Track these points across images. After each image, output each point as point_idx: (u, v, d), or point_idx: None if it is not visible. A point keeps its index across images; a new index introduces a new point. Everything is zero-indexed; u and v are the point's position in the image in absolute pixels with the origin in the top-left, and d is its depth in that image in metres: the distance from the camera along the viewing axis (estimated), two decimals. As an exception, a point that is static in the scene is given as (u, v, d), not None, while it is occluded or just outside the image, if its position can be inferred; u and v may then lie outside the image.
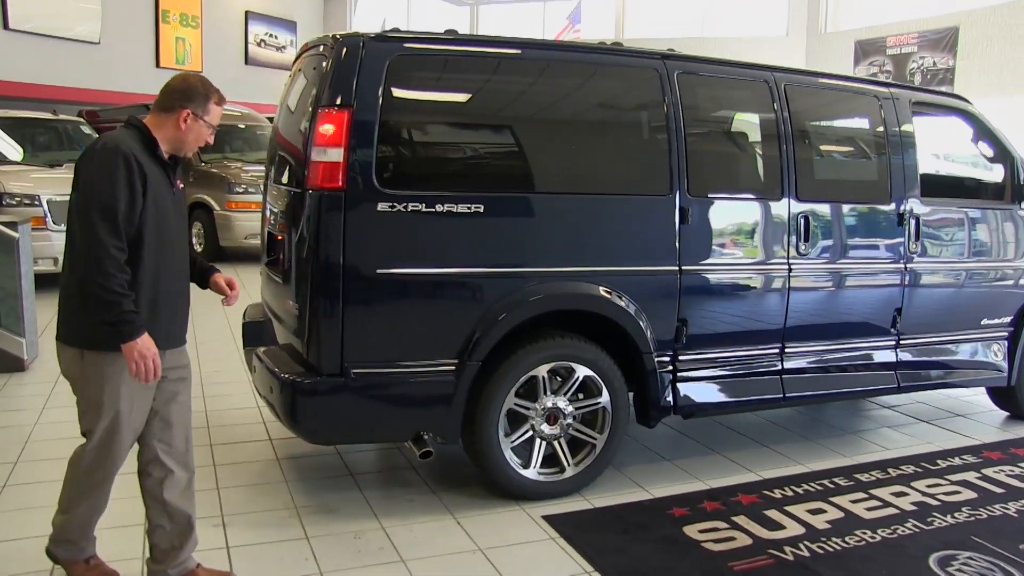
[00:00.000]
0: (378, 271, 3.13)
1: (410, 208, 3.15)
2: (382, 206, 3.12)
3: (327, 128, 3.09)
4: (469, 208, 3.24)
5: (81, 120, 11.01)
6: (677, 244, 3.62)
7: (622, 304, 3.50)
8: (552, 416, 3.49)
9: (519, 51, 3.44)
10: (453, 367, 3.27)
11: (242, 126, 12.74)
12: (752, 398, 3.91)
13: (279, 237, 3.55)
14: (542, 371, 3.42)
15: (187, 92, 2.54)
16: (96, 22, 16.94)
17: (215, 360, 5.64)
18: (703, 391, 3.79)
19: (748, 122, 3.95)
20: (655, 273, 3.60)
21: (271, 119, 15.88)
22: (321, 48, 3.45)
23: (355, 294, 3.11)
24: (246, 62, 20.27)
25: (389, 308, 3.20)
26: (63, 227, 3.14)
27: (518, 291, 3.31)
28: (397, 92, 3.17)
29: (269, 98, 18.22)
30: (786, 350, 3.97)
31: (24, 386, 5.05)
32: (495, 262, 3.31)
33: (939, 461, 4.11)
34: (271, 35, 20.98)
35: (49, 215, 7.99)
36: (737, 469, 3.96)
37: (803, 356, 4.03)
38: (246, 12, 20.44)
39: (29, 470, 3.71)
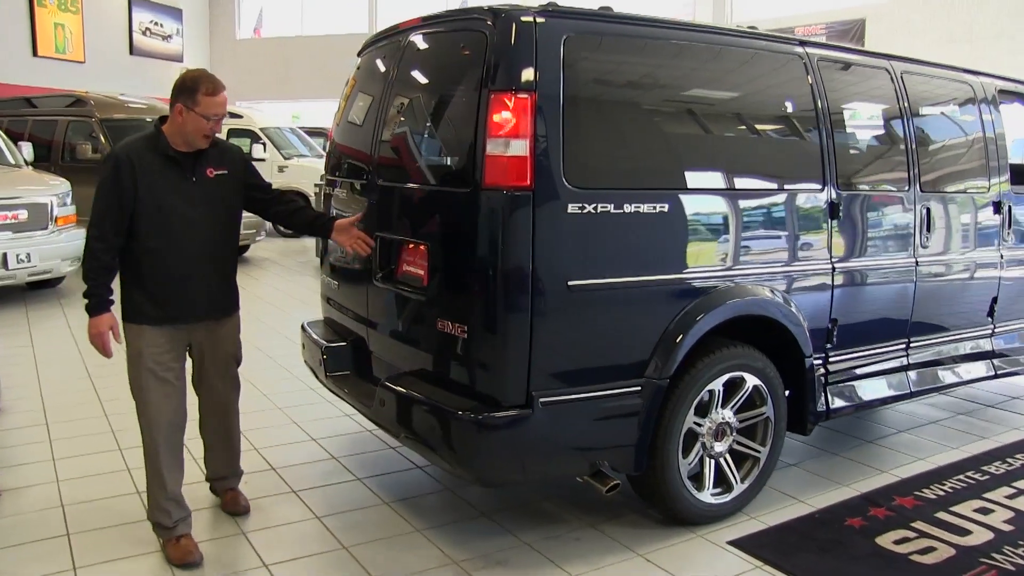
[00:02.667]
0: (569, 283, 2.71)
1: (599, 209, 2.75)
2: (572, 207, 2.70)
3: (505, 116, 2.63)
4: (654, 208, 2.88)
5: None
6: (829, 240, 3.43)
7: (792, 307, 3.27)
8: (720, 432, 3.20)
9: (690, 34, 3.10)
10: (639, 387, 2.91)
11: (148, 119, 11.48)
12: (889, 395, 3.80)
13: (411, 246, 3.04)
14: (718, 384, 3.13)
15: (178, 86, 2.81)
16: (-42, 5, 14.92)
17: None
18: (850, 392, 3.62)
19: (876, 111, 3.81)
20: (812, 272, 3.39)
21: None
22: (456, 23, 2.97)
23: (544, 311, 2.68)
24: (131, 52, 18.51)
25: (578, 325, 2.78)
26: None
27: (705, 298, 3.00)
28: (574, 75, 2.75)
29: (159, 90, 16.70)
30: (911, 344, 3.88)
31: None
32: (681, 267, 2.97)
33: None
34: (156, 23, 19.26)
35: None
36: (867, 470, 3.82)
37: (925, 349, 3.95)
38: (128, -3, 18.65)
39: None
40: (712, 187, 3.09)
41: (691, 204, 2.99)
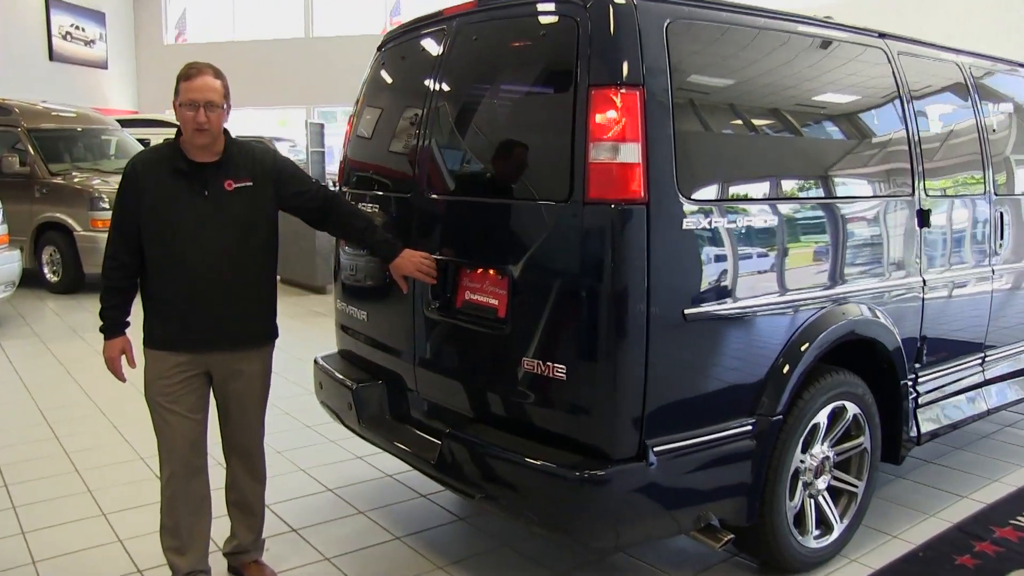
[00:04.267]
0: (686, 312, 2.32)
1: (712, 224, 2.37)
2: (688, 223, 2.31)
3: (610, 116, 2.21)
4: (766, 222, 2.52)
5: None
6: (920, 251, 3.14)
7: (890, 326, 2.96)
8: (819, 468, 2.86)
9: (796, 26, 2.76)
10: (750, 426, 2.54)
11: (80, 128, 10.55)
12: (971, 414, 3.54)
13: (479, 271, 2.58)
14: (823, 416, 2.78)
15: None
16: None
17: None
18: (937, 414, 3.34)
19: (952, 109, 3.56)
20: (905, 286, 3.10)
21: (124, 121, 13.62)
22: (529, 7, 2.54)
23: (660, 346, 2.27)
24: (51, 58, 17.21)
25: (693, 359, 2.39)
26: None
27: (815, 320, 2.65)
28: (679, 67, 2.36)
29: (84, 99, 15.58)
30: (987, 358, 3.64)
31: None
32: (793, 287, 2.62)
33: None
34: (77, 27, 18.00)
35: None
36: (945, 496, 3.55)
37: (998, 363, 3.72)
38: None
39: None
40: (820, 196, 2.76)
41: (802, 216, 2.65)
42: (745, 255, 2.46)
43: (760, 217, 2.49)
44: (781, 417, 2.57)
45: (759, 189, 2.56)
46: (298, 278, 9.17)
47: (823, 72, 2.89)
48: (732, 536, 2.51)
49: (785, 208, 2.57)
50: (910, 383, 3.17)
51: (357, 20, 19.27)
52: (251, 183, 2.54)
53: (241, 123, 16.71)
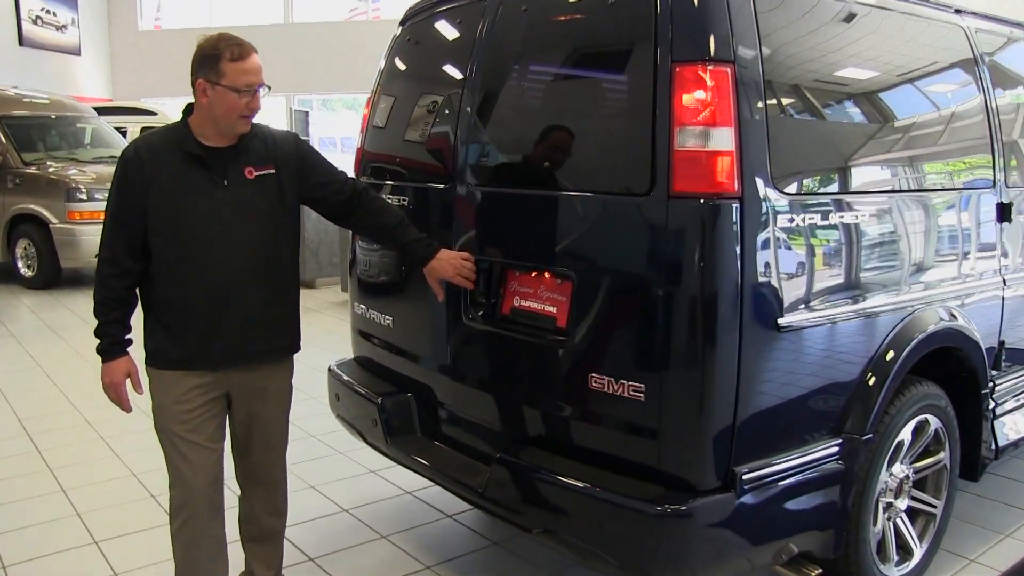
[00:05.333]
0: (779, 321, 2.03)
1: (806, 222, 2.08)
2: (781, 220, 2.02)
3: (698, 97, 1.91)
4: (859, 217, 2.24)
5: None
6: (1000, 248, 2.89)
7: (974, 332, 2.70)
8: (899, 488, 2.60)
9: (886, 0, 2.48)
10: (837, 447, 2.26)
11: (54, 116, 10.07)
12: (1040, 426, 3.29)
13: (534, 274, 2.27)
14: (907, 433, 2.52)
15: (196, 60, 2.12)
16: None
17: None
18: (1013, 425, 3.08)
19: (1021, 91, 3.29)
20: (986, 287, 2.84)
21: (117, 109, 13.19)
22: None
23: (752, 360, 1.98)
24: (20, 43, 16.52)
25: (784, 374, 2.10)
26: None
27: (904, 327, 2.38)
28: (768, 42, 2.06)
29: (54, 86, 14.93)
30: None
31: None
32: (884, 291, 2.35)
33: None
34: (48, 11, 17.30)
35: None
36: (1012, 511, 3.31)
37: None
38: (14, -19, 16.63)
39: None
40: (914, 189, 2.49)
41: (897, 210, 2.37)
42: (839, 256, 2.19)
43: (854, 212, 2.21)
44: (872, 436, 2.30)
45: (853, 181, 2.28)
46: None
47: (914, 52, 2.61)
48: (821, 570, 2.24)
49: (881, 202, 2.30)
50: (986, 391, 2.92)
51: (338, 6, 18.73)
52: (273, 170, 2.21)
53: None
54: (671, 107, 1.91)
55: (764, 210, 1.97)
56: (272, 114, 17.85)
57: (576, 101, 2.26)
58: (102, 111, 11.60)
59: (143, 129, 12.61)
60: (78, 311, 7.43)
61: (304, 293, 8.30)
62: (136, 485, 3.55)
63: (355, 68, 15.17)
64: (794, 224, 2.05)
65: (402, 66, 2.99)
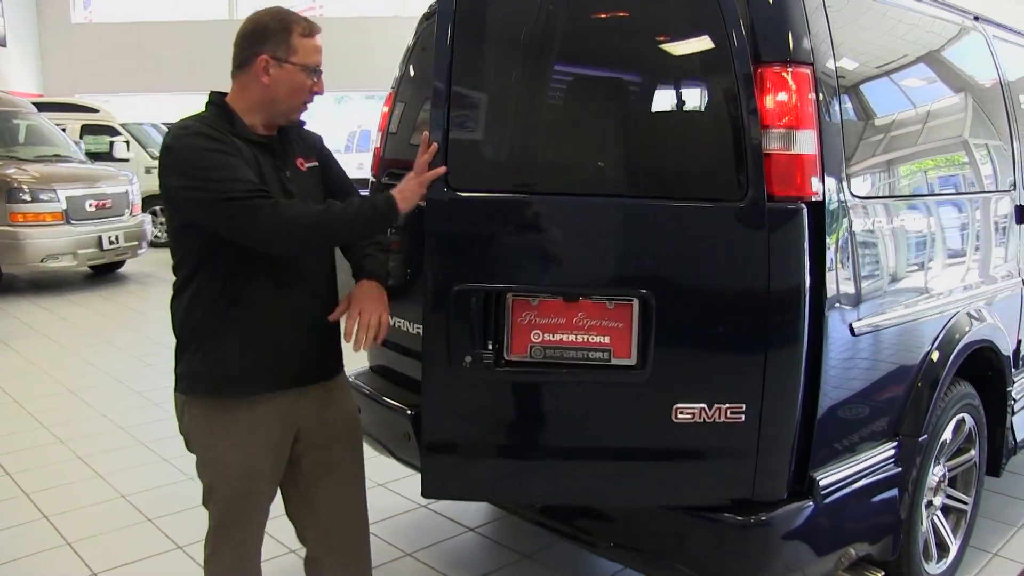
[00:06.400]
0: (854, 325, 2.01)
1: (876, 225, 2.08)
2: (859, 224, 2.00)
3: (782, 98, 1.87)
4: (921, 220, 2.27)
5: None
6: (1020, 249, 2.97)
7: (1002, 331, 2.76)
8: (936, 487, 2.63)
9: (940, 11, 2.51)
10: (894, 449, 2.27)
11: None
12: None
13: (590, 303, 2.18)
14: (948, 432, 2.55)
15: (256, 33, 1.86)
16: None
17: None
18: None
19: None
20: (1009, 288, 2.91)
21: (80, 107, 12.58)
22: None
23: (832, 365, 1.96)
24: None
25: (855, 378, 2.09)
26: None
27: (951, 328, 2.42)
28: (840, 44, 2.05)
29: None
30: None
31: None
32: (938, 293, 2.37)
33: None
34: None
35: None
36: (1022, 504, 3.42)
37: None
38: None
39: None
40: (969, 191, 2.54)
41: (954, 212, 2.41)
42: (904, 258, 2.20)
43: (917, 215, 2.23)
44: (926, 436, 2.32)
45: (916, 184, 2.29)
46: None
47: (950, 55, 2.65)
48: (883, 573, 2.24)
49: (940, 204, 2.32)
50: (1009, 388, 3.00)
51: (281, 3, 18.25)
52: (316, 163, 2.03)
53: (144, 109, 15.27)
54: (758, 108, 1.86)
55: (843, 214, 1.95)
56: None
57: (641, 99, 2.19)
58: (37, 108, 10.99)
59: (83, 127, 12.03)
60: (25, 319, 6.98)
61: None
62: (125, 507, 3.34)
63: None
64: (866, 228, 2.04)
65: (428, 64, 2.87)
